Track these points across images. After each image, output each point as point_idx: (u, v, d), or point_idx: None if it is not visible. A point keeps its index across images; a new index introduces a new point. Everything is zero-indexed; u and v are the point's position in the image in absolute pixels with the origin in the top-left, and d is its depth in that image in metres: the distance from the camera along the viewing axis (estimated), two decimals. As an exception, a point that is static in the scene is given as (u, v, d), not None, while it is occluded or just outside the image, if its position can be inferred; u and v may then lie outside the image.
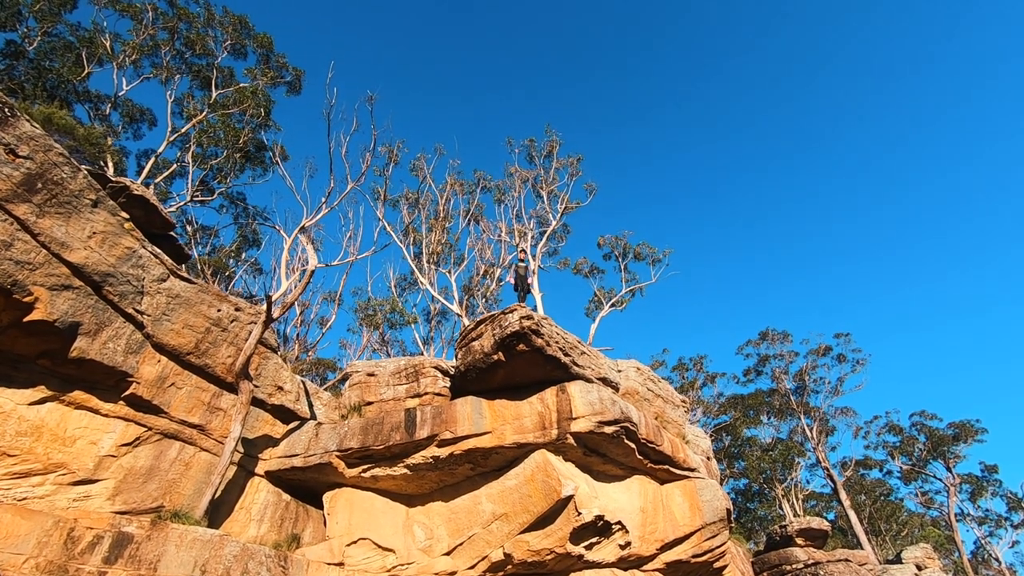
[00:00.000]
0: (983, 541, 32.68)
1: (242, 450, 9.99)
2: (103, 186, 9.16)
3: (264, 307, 10.06)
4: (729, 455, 31.63)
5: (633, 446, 11.19)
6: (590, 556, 10.85)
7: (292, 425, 10.89)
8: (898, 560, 20.05)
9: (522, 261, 13.29)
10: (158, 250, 9.49)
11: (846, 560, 16.56)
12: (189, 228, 23.56)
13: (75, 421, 8.26)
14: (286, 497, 10.38)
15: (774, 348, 30.45)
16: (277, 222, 22.01)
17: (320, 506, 10.66)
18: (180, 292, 9.55)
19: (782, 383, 30.03)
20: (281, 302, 10.73)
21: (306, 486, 10.69)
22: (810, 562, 16.59)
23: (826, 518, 30.58)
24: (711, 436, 28.76)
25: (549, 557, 10.53)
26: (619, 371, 12.70)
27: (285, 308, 10.60)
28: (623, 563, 11.10)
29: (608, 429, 10.70)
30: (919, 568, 18.65)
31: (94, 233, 8.43)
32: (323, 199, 14.43)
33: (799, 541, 17.71)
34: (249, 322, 10.33)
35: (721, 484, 16.34)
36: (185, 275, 9.83)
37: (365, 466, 10.61)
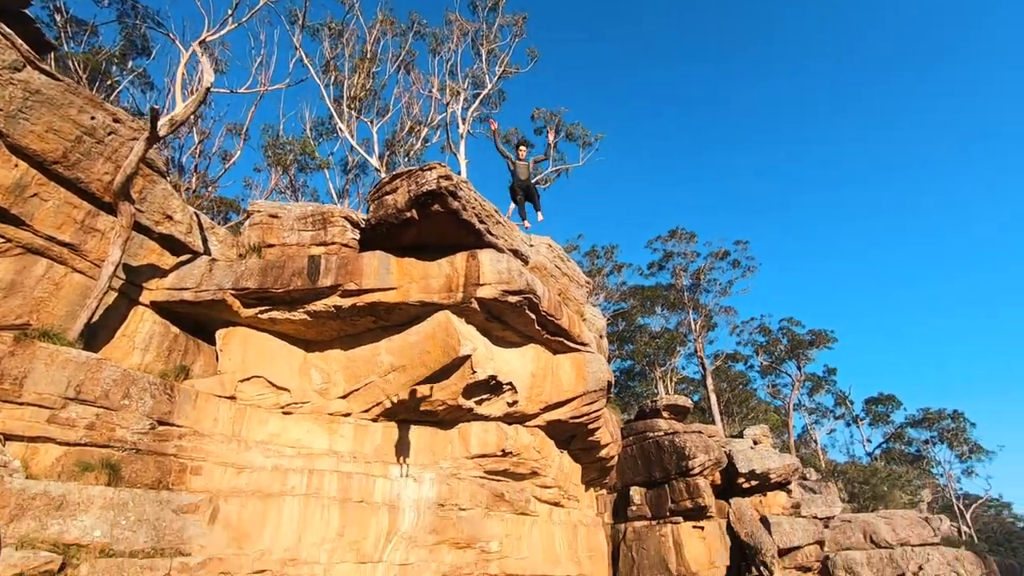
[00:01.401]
0: (809, 427, 39.32)
1: (124, 277, 9.30)
2: (-75, -70, 7.19)
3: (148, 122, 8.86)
4: (621, 338, 34.40)
5: (534, 317, 11.70)
6: (479, 410, 11.67)
7: (183, 258, 10.21)
8: (740, 435, 23.54)
9: (522, 159, 10.51)
10: (8, 30, 7.85)
11: (699, 432, 19.13)
12: (59, 17, 19.66)
13: (-90, 220, 7.18)
14: (174, 329, 10.01)
15: (680, 246, 32.27)
16: (172, 30, 18.86)
17: (212, 342, 10.42)
18: (41, 88, 8.11)
19: (680, 280, 32.30)
20: (170, 121, 9.49)
21: (197, 321, 10.32)
22: (670, 431, 19.00)
23: (691, 399, 34.82)
24: (609, 320, 30.86)
25: (441, 408, 11.21)
26: (531, 246, 12.87)
27: (174, 126, 9.41)
28: (508, 418, 12.09)
29: (512, 298, 11.03)
30: (755, 442, 22.05)
31: (-84, -9, 6.74)
32: (229, 11, 12.45)
33: (664, 414, 20.09)
34: (131, 138, 9.12)
35: (609, 362, 17.85)
36: (47, 68, 8.31)
37: (262, 308, 10.34)
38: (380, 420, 11.21)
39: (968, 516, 39.54)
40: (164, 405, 8.52)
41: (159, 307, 9.85)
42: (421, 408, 11.13)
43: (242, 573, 8.22)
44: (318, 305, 10.41)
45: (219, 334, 10.34)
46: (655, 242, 33.78)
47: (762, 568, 17.12)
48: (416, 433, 11.36)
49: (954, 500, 39.91)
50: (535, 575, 12.13)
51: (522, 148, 10.27)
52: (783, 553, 17.85)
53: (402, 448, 11.04)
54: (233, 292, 9.98)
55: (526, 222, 11.33)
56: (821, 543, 19.06)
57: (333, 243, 11.13)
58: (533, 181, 10.51)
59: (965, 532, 35.54)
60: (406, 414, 11.27)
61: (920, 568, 18.85)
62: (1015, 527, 50.05)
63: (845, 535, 20.07)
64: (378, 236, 11.09)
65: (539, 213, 10.59)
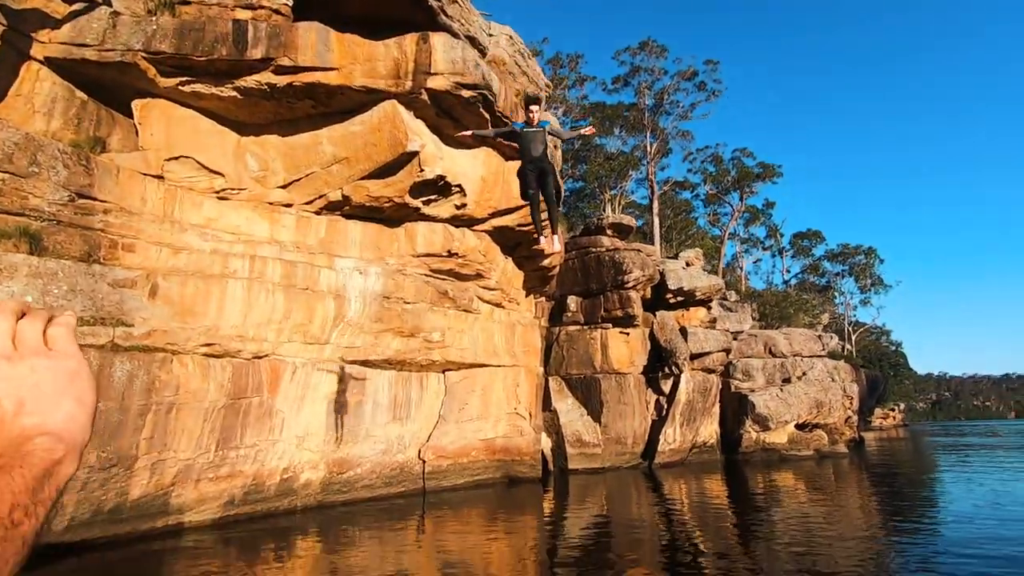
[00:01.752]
0: (739, 255, 42.23)
1: (5, 22, 7.85)
2: None
3: None
4: (575, 158, 33.90)
5: (488, 117, 11.05)
6: (427, 210, 11.56)
7: (77, 6, 8.61)
8: (675, 257, 24.97)
9: (533, 125, 6.48)
10: None
11: (638, 250, 20.11)
12: None
13: None
14: (81, 95, 8.86)
15: (649, 61, 30.30)
16: None
17: (129, 114, 9.38)
18: None
19: (643, 98, 30.98)
20: None
21: (108, 87, 9.12)
22: (611, 248, 19.86)
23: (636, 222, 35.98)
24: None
25: (387, 205, 11.00)
26: (490, 35, 11.65)
27: None
28: (456, 221, 12.09)
29: (466, 93, 10.25)
30: (688, 264, 23.55)
31: None
32: None
33: (608, 232, 20.79)
34: None
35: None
36: None
37: (184, 79, 9.19)
38: (324, 213, 10.95)
39: (854, 338, 45.63)
40: (81, 177, 7.87)
41: (58, 66, 8.55)
42: (367, 204, 10.88)
43: (189, 345, 8.51)
44: (248, 81, 9.35)
45: (136, 105, 9.27)
46: (623, 54, 31.54)
47: (674, 367, 19.50)
48: (361, 228, 11.26)
49: (847, 325, 45.56)
50: (474, 363, 13.30)
51: (533, 109, 6.52)
52: (694, 357, 20.24)
53: (347, 241, 11.00)
54: (146, 56, 8.71)
55: (544, 238, 7.17)
56: (728, 351, 21.66)
57: (262, 7, 9.62)
58: (546, 158, 6.65)
59: (848, 350, 41.29)
60: (351, 209, 11.02)
61: (804, 373, 22.01)
62: (888, 349, 58.65)
63: (749, 346, 22.79)
64: (315, 4, 9.64)
65: (556, 235, 7.01)
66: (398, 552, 7.58)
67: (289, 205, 10.61)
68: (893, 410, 62.26)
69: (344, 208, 10.93)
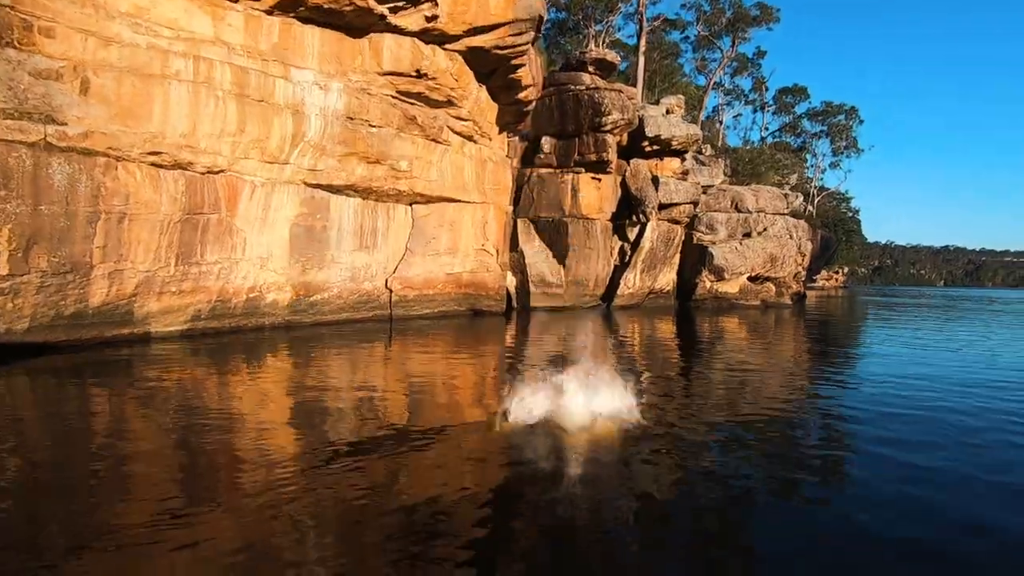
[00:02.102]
0: (721, 108, 40.88)
1: None
2: None
3: None
4: (561, -18, 30.49)
5: (466, -95, 9.47)
6: (394, 20, 10.36)
7: None
8: (656, 103, 23.88)
9: None
10: None
11: (619, 91, 19.02)
12: None
13: None
14: None
15: None
16: None
17: None
18: None
19: (644, -88, 27.18)
20: None
21: None
22: (591, 86, 18.70)
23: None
24: (551, -46, 26.51)
25: (348, 8, 9.76)
26: None
27: None
28: (426, 35, 10.94)
29: None
30: (668, 111, 22.62)
31: None
32: None
33: (590, 68, 19.41)
34: None
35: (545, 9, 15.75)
36: None
37: None
38: (276, 14, 9.65)
39: (816, 200, 46.65)
40: (-28, -65, 6.53)
41: None
42: (324, 6, 9.61)
43: (134, 152, 7.89)
44: None
45: None
46: None
47: (641, 216, 19.67)
48: (321, 36, 10.09)
49: (813, 188, 46.22)
50: (442, 196, 13.01)
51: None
52: (663, 207, 20.37)
53: (304, 50, 9.89)
54: None
55: None
56: (696, 204, 21.83)
57: None
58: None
59: (810, 211, 42.40)
60: (307, 12, 9.74)
61: (765, 229, 22.63)
62: (846, 215, 60.67)
63: (717, 200, 22.98)
64: None
65: None
66: (366, 366, 7.96)
67: (235, 0, 9.27)
68: (837, 272, 66.23)
69: (299, 9, 9.64)
